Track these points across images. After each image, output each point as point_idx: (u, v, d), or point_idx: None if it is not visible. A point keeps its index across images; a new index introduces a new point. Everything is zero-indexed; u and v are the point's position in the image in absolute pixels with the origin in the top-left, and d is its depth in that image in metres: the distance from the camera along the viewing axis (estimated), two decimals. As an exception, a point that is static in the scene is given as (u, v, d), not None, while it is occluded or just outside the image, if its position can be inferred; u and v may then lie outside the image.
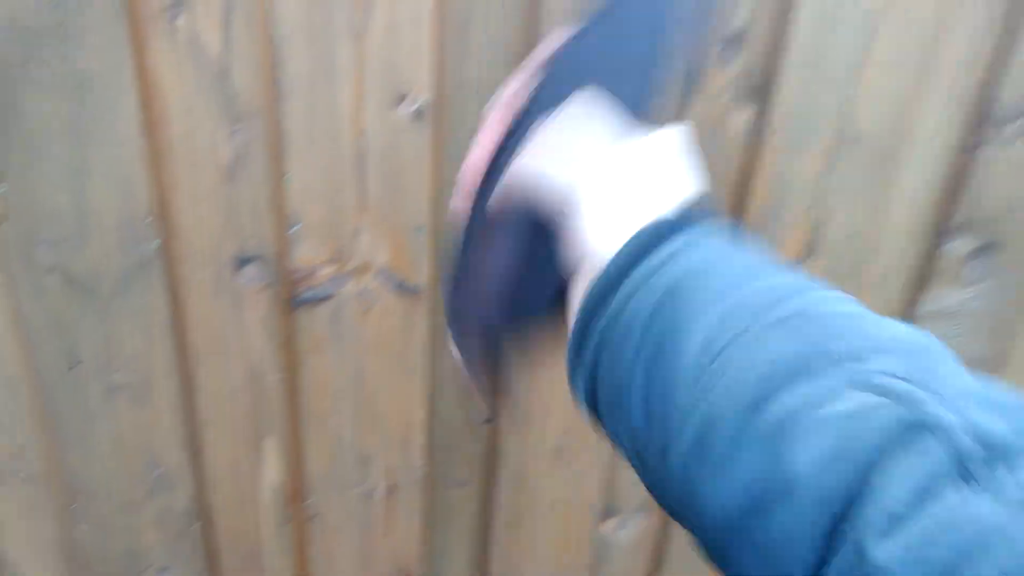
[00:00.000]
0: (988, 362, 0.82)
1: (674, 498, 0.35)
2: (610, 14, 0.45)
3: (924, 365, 0.30)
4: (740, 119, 0.71)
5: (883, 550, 0.25)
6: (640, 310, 0.35)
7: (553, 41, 0.46)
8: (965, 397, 0.28)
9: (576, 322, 0.39)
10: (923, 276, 0.79)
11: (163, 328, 0.78)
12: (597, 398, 0.39)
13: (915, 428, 0.27)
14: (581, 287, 0.39)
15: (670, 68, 0.44)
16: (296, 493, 0.89)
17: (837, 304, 0.33)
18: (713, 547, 0.33)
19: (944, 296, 0.79)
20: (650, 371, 0.35)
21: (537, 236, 0.43)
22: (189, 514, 0.89)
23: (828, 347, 0.31)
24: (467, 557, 0.95)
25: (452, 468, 0.88)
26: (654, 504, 0.94)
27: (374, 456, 0.87)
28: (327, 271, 0.76)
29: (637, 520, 0.92)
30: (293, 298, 0.77)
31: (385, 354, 0.81)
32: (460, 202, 0.47)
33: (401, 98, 0.69)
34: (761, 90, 0.70)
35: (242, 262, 0.75)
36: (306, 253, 0.75)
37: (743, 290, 0.34)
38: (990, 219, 0.76)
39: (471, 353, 0.49)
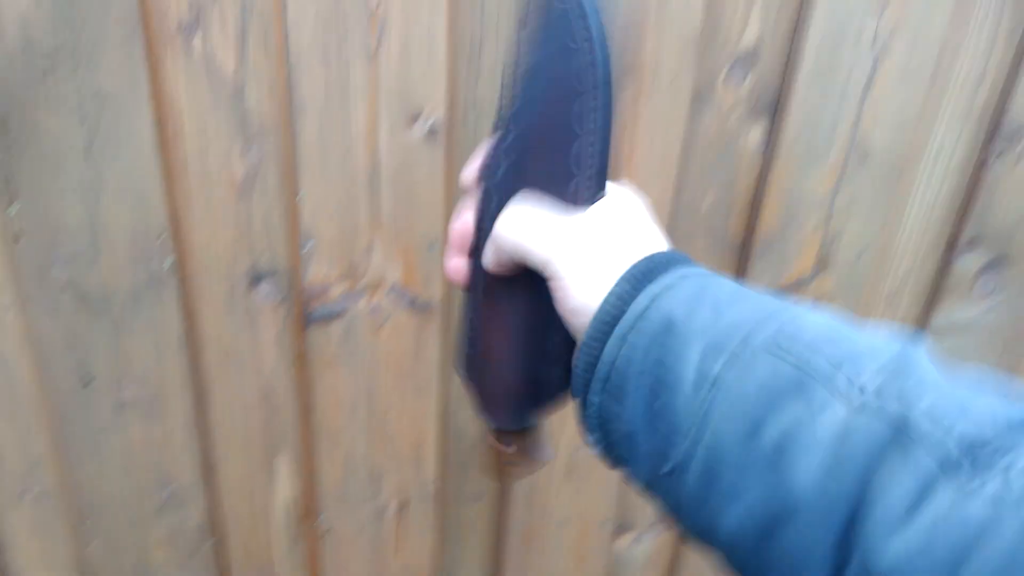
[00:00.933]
0: (1000, 374, 0.82)
1: (693, 525, 0.36)
2: (520, 115, 0.46)
3: (903, 373, 0.31)
4: (752, 135, 0.71)
5: (889, 552, 0.27)
6: (634, 354, 0.37)
7: (480, 155, 0.47)
8: (941, 396, 0.29)
9: (577, 378, 0.40)
10: (935, 291, 0.79)
11: (176, 344, 0.78)
12: (612, 444, 0.40)
13: (897, 438, 0.28)
14: (578, 342, 0.41)
15: (591, 143, 0.44)
16: (309, 509, 0.89)
17: (815, 318, 0.35)
18: (738, 567, 0.34)
19: (956, 310, 0.79)
20: (652, 410, 0.36)
21: (539, 287, 0.44)
22: (201, 531, 0.89)
23: (811, 364, 0.32)
24: (480, 574, 0.94)
25: (464, 484, 0.88)
26: (668, 519, 0.94)
27: (387, 472, 0.87)
28: (340, 288, 0.76)
29: (652, 535, 0.92)
30: (306, 315, 0.77)
31: (397, 371, 0.81)
32: (453, 259, 0.49)
33: (414, 117, 0.69)
34: (772, 106, 0.70)
35: (255, 279, 0.75)
36: (319, 270, 0.75)
37: (726, 317, 0.35)
38: (1001, 234, 0.76)
39: (489, 407, 0.50)
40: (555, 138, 0.44)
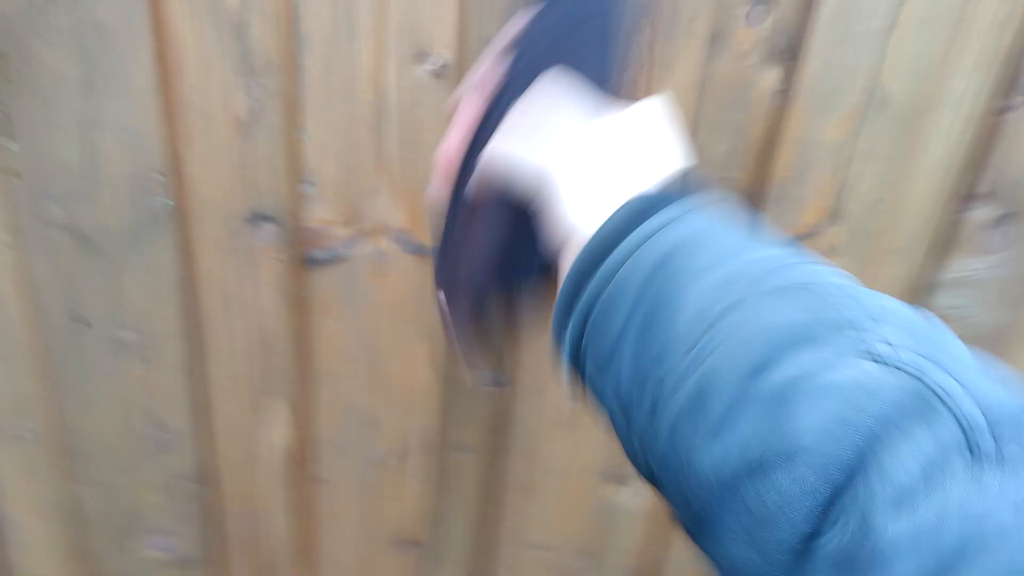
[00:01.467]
0: (1009, 331, 0.82)
1: (658, 459, 0.35)
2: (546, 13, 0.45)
3: (927, 337, 0.30)
4: (767, 80, 0.70)
5: (893, 527, 0.25)
6: (632, 276, 0.36)
7: (515, 24, 0.46)
8: (969, 370, 0.28)
9: (565, 287, 0.39)
10: (947, 243, 0.78)
11: (173, 286, 0.77)
12: (584, 359, 0.39)
13: (923, 399, 0.27)
14: (568, 259, 0.39)
15: (629, 42, 0.44)
16: (303, 456, 0.88)
17: (834, 277, 0.34)
18: (694, 513, 0.33)
19: (967, 264, 0.78)
20: (643, 334, 0.35)
21: (519, 218, 0.44)
22: (194, 476, 0.89)
23: (830, 316, 0.31)
24: (474, 523, 0.94)
25: (461, 433, 0.88)
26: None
27: (383, 419, 0.86)
28: (341, 231, 0.75)
29: (649, 488, 0.92)
30: (306, 258, 0.76)
31: (397, 317, 0.80)
32: (439, 187, 0.47)
33: (422, 56, 0.68)
34: (789, 51, 0.69)
35: (255, 220, 0.74)
36: (321, 213, 0.74)
37: (738, 259, 0.34)
38: (1015, 186, 0.75)
39: (459, 319, 0.49)
40: (581, 39, 0.43)
